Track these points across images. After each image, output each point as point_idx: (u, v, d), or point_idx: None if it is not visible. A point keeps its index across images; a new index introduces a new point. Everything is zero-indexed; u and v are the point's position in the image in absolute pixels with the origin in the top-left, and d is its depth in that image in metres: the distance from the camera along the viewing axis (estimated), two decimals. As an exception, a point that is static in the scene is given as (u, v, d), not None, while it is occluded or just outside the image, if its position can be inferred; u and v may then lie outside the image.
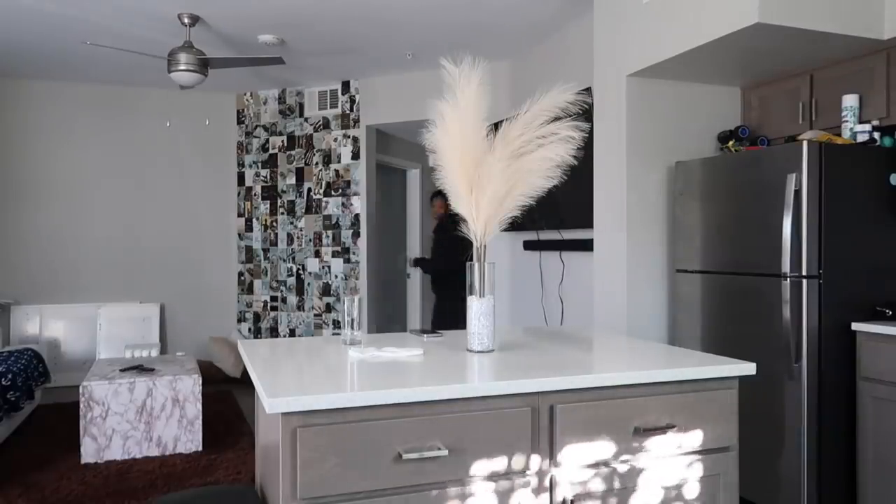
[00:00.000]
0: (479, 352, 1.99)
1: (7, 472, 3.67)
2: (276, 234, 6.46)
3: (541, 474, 1.66)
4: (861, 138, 3.05)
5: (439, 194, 5.72)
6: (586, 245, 4.26)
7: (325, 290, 6.22)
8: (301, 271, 6.32)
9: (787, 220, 2.88)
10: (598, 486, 1.71)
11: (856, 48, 3.13)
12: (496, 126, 1.98)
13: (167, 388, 3.96)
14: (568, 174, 1.97)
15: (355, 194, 6.13)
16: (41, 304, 6.03)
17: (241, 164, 6.63)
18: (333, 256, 6.16)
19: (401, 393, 1.52)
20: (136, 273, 6.34)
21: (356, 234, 6.12)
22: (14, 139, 6.00)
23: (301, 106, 6.34)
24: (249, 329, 6.59)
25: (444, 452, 1.54)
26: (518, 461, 1.62)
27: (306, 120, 6.33)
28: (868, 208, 2.97)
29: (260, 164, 6.53)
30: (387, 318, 6.86)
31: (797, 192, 2.87)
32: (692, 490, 1.81)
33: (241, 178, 6.64)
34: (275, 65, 4.78)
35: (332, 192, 6.21)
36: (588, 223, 4.05)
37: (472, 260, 2.00)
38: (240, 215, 6.66)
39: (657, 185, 3.64)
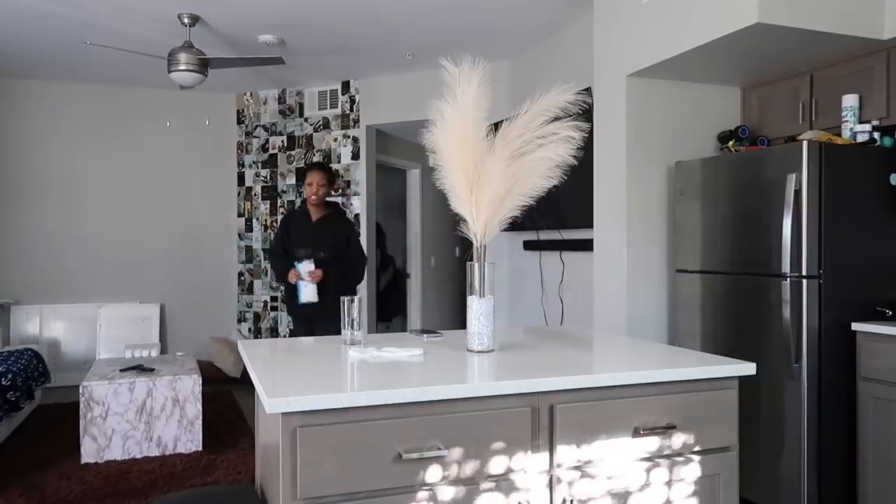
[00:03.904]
0: (479, 352, 1.99)
1: (7, 472, 3.67)
2: (276, 234, 6.46)
3: (541, 474, 1.65)
4: (861, 138, 3.05)
5: (317, 167, 4.26)
6: (586, 245, 4.26)
7: (325, 290, 6.22)
8: (301, 271, 6.31)
9: (787, 220, 2.88)
10: (598, 486, 1.71)
11: (856, 48, 3.13)
12: (496, 126, 1.98)
13: (167, 388, 3.96)
14: (568, 174, 1.97)
15: (355, 194, 6.12)
16: (41, 304, 6.03)
17: (241, 164, 6.63)
18: (333, 256, 6.15)
19: (401, 393, 1.52)
20: (136, 273, 6.34)
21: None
22: (14, 139, 6.00)
23: (301, 106, 6.34)
24: (249, 329, 6.59)
25: (444, 452, 1.54)
26: (518, 461, 1.62)
27: (306, 120, 6.33)
28: (868, 208, 2.97)
29: (260, 164, 6.53)
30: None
31: (797, 192, 2.87)
32: (692, 490, 1.81)
33: (241, 178, 6.64)
34: (275, 65, 4.78)
35: (332, 192, 6.20)
36: (588, 223, 4.05)
37: (471, 260, 2.00)
38: (240, 215, 6.66)
39: (657, 185, 3.64)
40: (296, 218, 4.36)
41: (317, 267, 4.04)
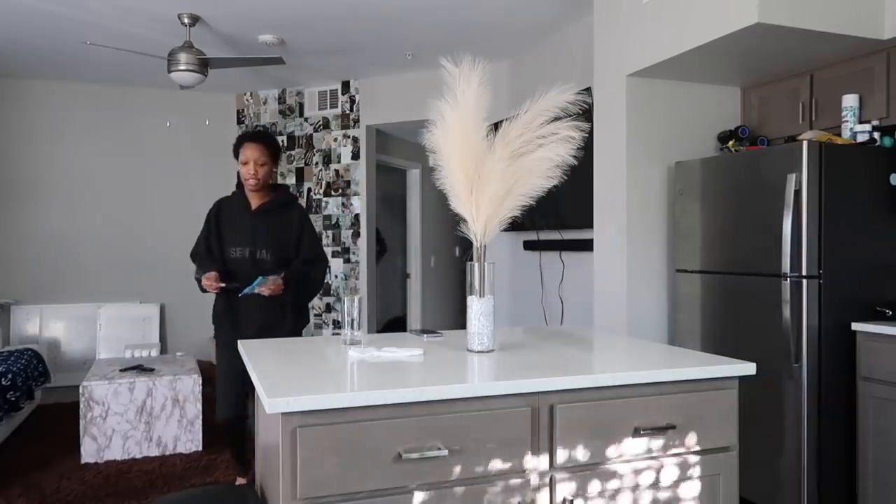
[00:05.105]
0: (479, 352, 1.99)
1: (7, 472, 3.67)
2: (276, 234, 6.45)
3: (541, 474, 1.66)
4: (861, 138, 3.05)
5: (254, 138, 3.12)
6: (586, 245, 4.26)
7: (325, 290, 6.22)
8: (301, 271, 6.31)
9: (787, 220, 2.88)
10: (598, 486, 1.71)
11: (856, 48, 3.13)
12: (496, 126, 1.98)
13: (167, 388, 3.96)
14: (568, 174, 1.97)
15: (355, 194, 6.13)
16: (41, 304, 6.03)
17: (241, 164, 6.62)
18: (333, 256, 6.15)
19: (401, 393, 1.52)
20: (136, 273, 6.34)
21: (356, 234, 6.12)
22: (14, 139, 6.00)
23: (301, 106, 6.34)
24: (249, 329, 6.58)
25: (444, 452, 1.54)
26: (518, 461, 1.62)
27: (306, 120, 6.33)
28: (868, 208, 2.97)
29: (260, 164, 6.52)
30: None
31: (797, 192, 2.87)
32: (692, 490, 1.81)
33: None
34: (275, 65, 4.78)
35: (332, 192, 6.21)
36: (588, 223, 4.05)
37: (471, 260, 2.00)
38: (240, 215, 6.64)
39: (657, 185, 3.64)
40: (229, 208, 3.21)
41: (260, 273, 2.96)
